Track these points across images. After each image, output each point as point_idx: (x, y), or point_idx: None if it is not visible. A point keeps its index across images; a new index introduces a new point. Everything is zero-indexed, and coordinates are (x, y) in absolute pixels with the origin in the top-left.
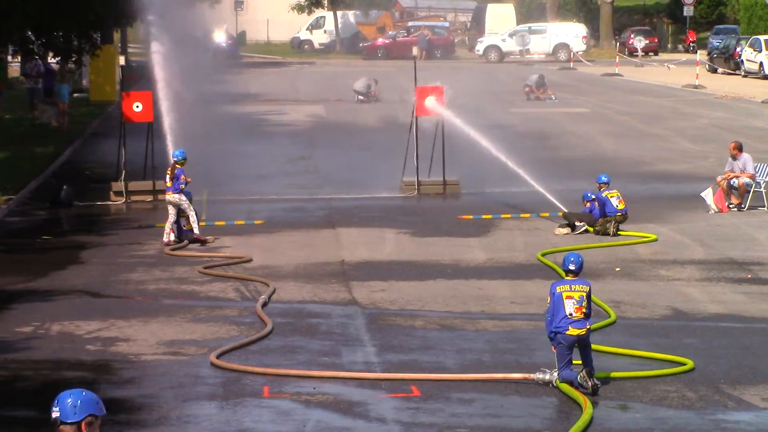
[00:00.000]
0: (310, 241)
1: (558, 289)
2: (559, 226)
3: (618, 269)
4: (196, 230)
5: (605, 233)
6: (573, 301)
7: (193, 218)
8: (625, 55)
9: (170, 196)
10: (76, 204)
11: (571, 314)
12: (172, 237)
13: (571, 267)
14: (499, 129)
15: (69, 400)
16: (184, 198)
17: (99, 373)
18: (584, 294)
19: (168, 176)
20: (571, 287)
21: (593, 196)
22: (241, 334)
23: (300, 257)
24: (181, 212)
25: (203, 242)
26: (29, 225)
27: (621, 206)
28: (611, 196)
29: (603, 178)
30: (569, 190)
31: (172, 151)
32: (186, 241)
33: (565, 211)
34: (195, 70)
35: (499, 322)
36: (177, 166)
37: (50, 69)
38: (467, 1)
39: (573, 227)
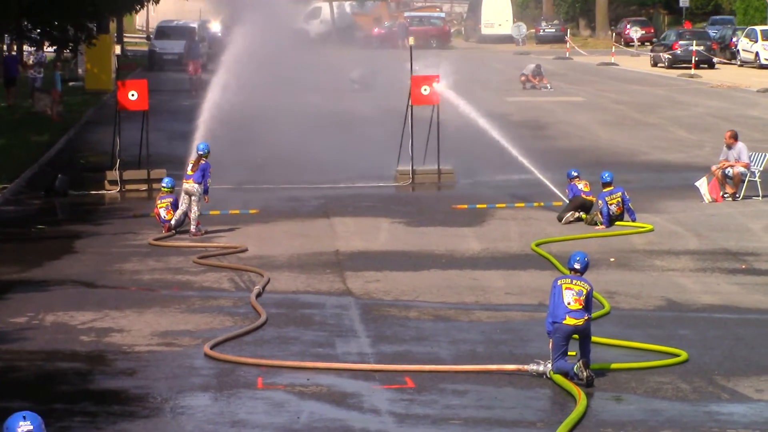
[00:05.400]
0: (305, 231)
1: (559, 282)
2: (564, 221)
3: (612, 259)
4: (193, 227)
5: (595, 224)
6: (572, 292)
7: (195, 214)
8: (621, 45)
9: (191, 185)
10: (70, 193)
11: (569, 303)
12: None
13: (576, 266)
14: (494, 118)
15: (38, 418)
16: (200, 191)
17: (93, 363)
18: (584, 290)
19: (190, 165)
20: (572, 281)
21: (575, 174)
22: (236, 324)
23: (295, 247)
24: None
25: (194, 235)
26: (24, 214)
27: (618, 212)
28: (611, 202)
29: (606, 177)
30: (564, 178)
31: (196, 145)
32: (173, 232)
33: (559, 213)
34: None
35: (493, 313)
36: (203, 159)
37: (14, 57)
38: None
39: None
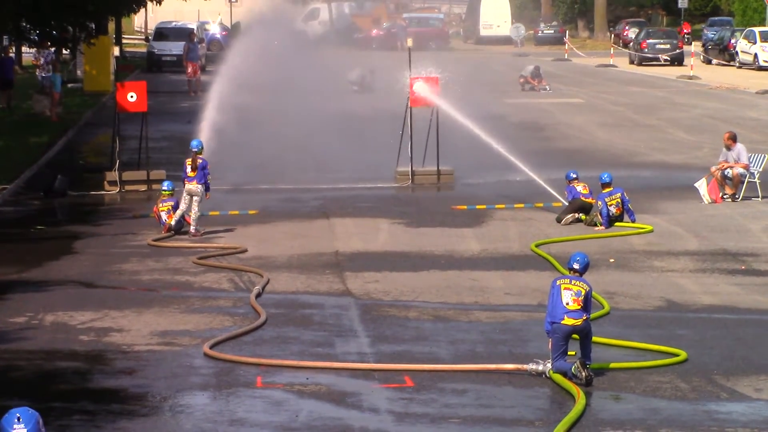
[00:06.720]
0: (304, 232)
1: (558, 282)
2: (563, 222)
3: (612, 260)
4: (193, 228)
5: (594, 225)
6: (571, 292)
7: (195, 214)
8: (619, 46)
9: (194, 186)
10: (70, 194)
11: (567, 304)
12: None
13: (575, 266)
14: (493, 119)
15: (34, 419)
16: (202, 190)
17: (92, 363)
18: (583, 290)
19: (189, 166)
20: (570, 281)
21: (574, 176)
22: (235, 324)
23: (294, 248)
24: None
25: (194, 235)
26: (23, 215)
27: (617, 213)
28: (611, 203)
29: (605, 177)
30: (563, 180)
31: (190, 142)
32: (173, 232)
33: (559, 214)
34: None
35: (492, 313)
36: (199, 156)
37: (11, 59)
38: None
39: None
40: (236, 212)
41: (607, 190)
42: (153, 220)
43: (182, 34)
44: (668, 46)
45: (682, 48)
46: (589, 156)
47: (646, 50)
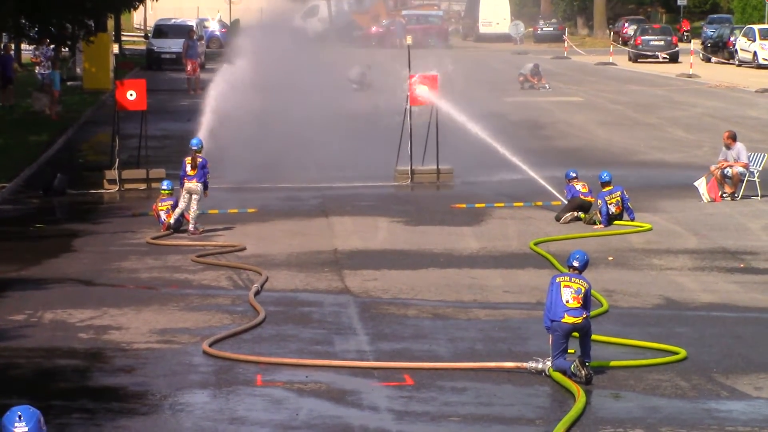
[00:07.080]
0: (303, 230)
1: (557, 279)
2: (562, 220)
3: (611, 258)
4: (191, 226)
5: (594, 223)
6: (571, 290)
7: (195, 212)
8: (618, 44)
9: (194, 185)
10: (69, 192)
11: (567, 302)
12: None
13: (575, 264)
14: (492, 117)
15: (35, 417)
16: (202, 189)
17: (91, 361)
18: (582, 288)
19: (189, 165)
20: (570, 278)
21: (574, 175)
22: (234, 322)
23: (293, 246)
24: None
25: (193, 233)
26: (22, 213)
27: (617, 212)
28: (611, 202)
29: (605, 176)
30: (562, 178)
31: (190, 141)
32: (171, 231)
33: (558, 213)
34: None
35: (491, 311)
36: (198, 155)
37: (10, 56)
38: None
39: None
40: (235, 210)
41: (607, 188)
42: (152, 219)
43: (181, 31)
44: (662, 43)
45: (676, 44)
46: (588, 154)
47: (641, 47)
